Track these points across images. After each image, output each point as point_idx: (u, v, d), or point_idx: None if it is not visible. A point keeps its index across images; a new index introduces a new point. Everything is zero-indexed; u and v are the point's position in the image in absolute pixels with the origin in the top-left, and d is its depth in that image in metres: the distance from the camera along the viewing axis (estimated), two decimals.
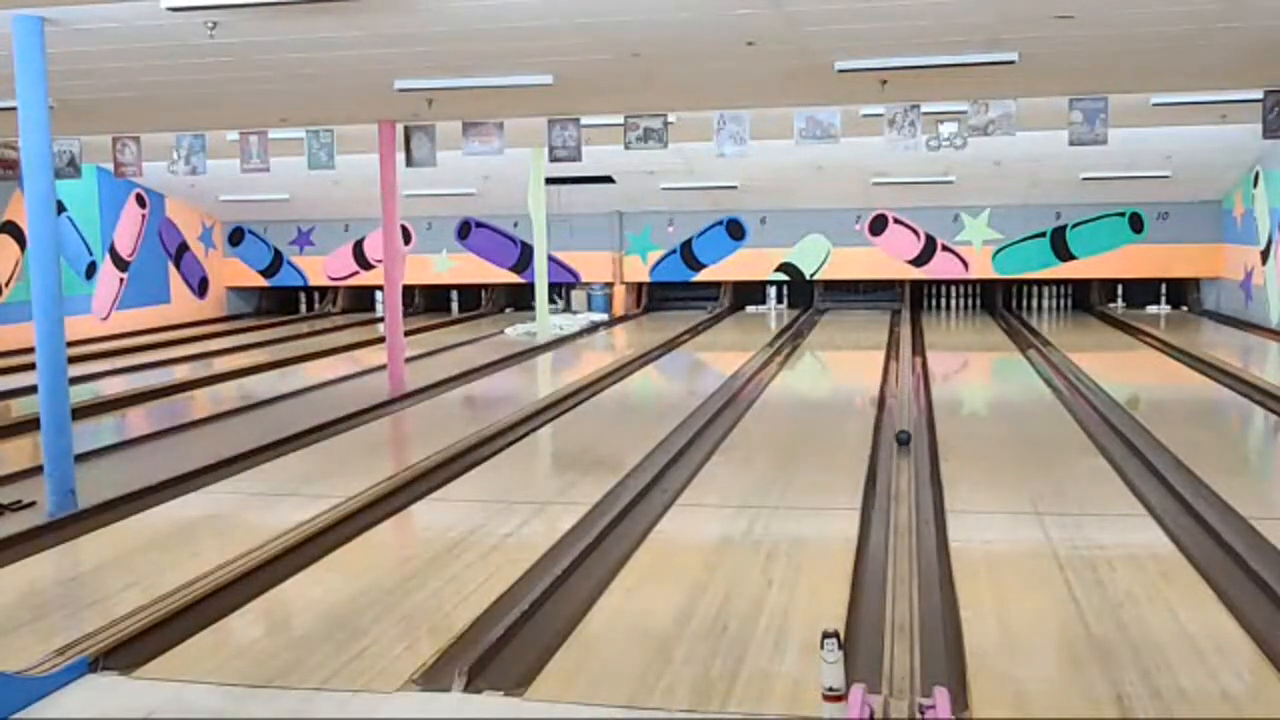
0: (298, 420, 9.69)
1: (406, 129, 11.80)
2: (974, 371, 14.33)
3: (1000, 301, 20.14)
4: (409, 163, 11.94)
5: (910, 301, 20.15)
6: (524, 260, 19.72)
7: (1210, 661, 4.27)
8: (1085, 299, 20.03)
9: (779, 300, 21.00)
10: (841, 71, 8.78)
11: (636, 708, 3.93)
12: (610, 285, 20.32)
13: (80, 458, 7.41)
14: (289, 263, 21.26)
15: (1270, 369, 12.65)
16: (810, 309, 20.31)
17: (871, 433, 8.81)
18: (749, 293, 20.99)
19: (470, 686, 4.10)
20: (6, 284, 16.24)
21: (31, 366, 7.47)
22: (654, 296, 21.32)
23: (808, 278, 19.98)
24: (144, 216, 19.19)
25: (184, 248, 20.27)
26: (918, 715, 3.71)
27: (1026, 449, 8.43)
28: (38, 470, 7.20)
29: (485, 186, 18.27)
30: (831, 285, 20.55)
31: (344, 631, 4.72)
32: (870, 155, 14.54)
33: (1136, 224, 18.72)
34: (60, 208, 15.02)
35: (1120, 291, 20.01)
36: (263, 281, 21.47)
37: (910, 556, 5.68)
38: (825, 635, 3.41)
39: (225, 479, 7.73)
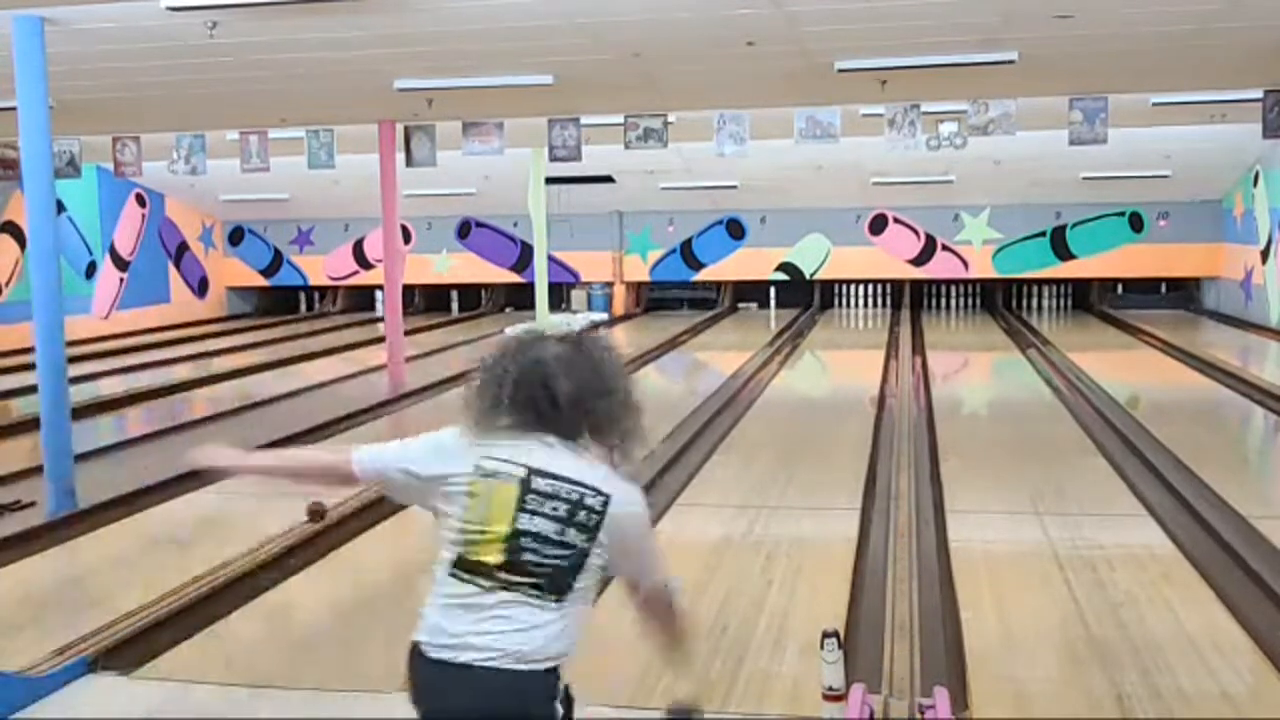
0: (298, 420, 9.68)
1: (406, 129, 11.79)
2: (974, 371, 14.33)
3: (1000, 301, 20.13)
4: (409, 163, 11.94)
5: (910, 301, 20.15)
6: (524, 260, 19.70)
7: (1210, 661, 4.27)
8: (1085, 299, 20.02)
9: (762, 305, 20.90)
10: (841, 71, 8.78)
11: (636, 708, 3.93)
12: (610, 285, 20.31)
13: (80, 458, 7.41)
14: (289, 262, 21.25)
15: (1270, 369, 12.65)
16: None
17: (871, 433, 8.81)
18: (752, 292, 20.98)
19: None
20: (6, 284, 16.23)
21: (31, 366, 7.47)
22: (649, 298, 21.30)
23: (808, 277, 19.97)
24: (144, 216, 19.19)
25: (184, 247, 20.26)
26: (918, 715, 3.71)
27: (1026, 449, 8.42)
28: (38, 470, 7.19)
29: (485, 186, 18.26)
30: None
31: (344, 631, 4.72)
32: (870, 155, 14.52)
33: (1136, 224, 18.71)
34: (60, 208, 15.00)
35: (1120, 289, 20.01)
36: (263, 281, 21.46)
37: (910, 556, 5.68)
38: (825, 635, 3.41)
39: (225, 479, 7.71)
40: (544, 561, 2.33)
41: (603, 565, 2.41)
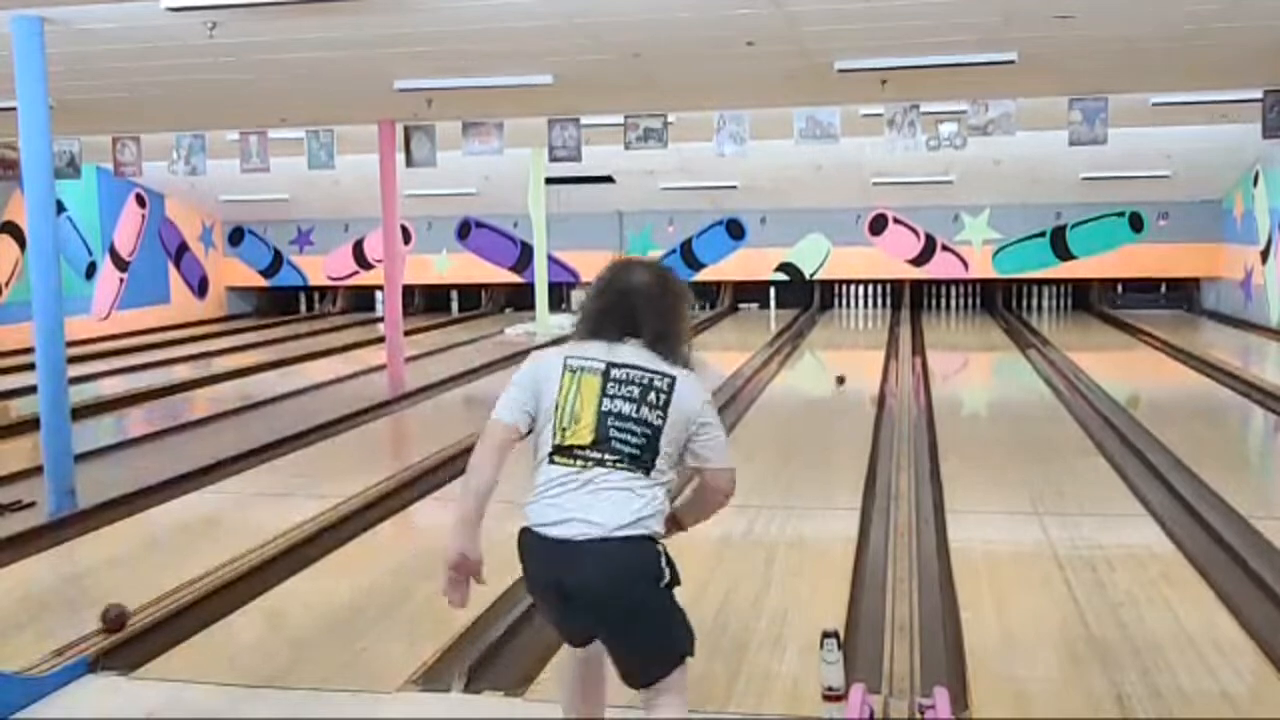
0: (298, 420, 9.68)
1: (406, 129, 11.79)
2: (974, 371, 14.33)
3: (1000, 301, 20.12)
4: (409, 163, 11.93)
5: (910, 301, 20.15)
6: (524, 260, 19.70)
7: (1210, 661, 4.27)
8: (1085, 299, 20.02)
9: (762, 305, 20.89)
10: (841, 71, 8.78)
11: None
12: None
13: (80, 458, 7.40)
14: (289, 263, 21.25)
15: (1270, 369, 12.65)
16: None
17: (871, 433, 8.81)
18: (752, 292, 20.97)
19: (470, 686, 4.10)
20: (6, 284, 16.23)
21: (31, 366, 7.47)
22: None
23: (808, 277, 19.97)
24: (144, 216, 19.19)
25: (184, 248, 20.26)
26: (918, 715, 3.71)
27: (1026, 449, 8.42)
28: (38, 470, 7.19)
29: (485, 186, 18.26)
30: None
31: (344, 631, 4.72)
32: (870, 155, 14.53)
33: (1136, 224, 18.71)
34: (60, 208, 15.01)
35: (1120, 290, 20.01)
36: (263, 281, 21.46)
37: (910, 556, 5.68)
38: (825, 635, 3.41)
39: (225, 479, 7.73)
40: (627, 438, 2.84)
41: (676, 444, 2.90)
